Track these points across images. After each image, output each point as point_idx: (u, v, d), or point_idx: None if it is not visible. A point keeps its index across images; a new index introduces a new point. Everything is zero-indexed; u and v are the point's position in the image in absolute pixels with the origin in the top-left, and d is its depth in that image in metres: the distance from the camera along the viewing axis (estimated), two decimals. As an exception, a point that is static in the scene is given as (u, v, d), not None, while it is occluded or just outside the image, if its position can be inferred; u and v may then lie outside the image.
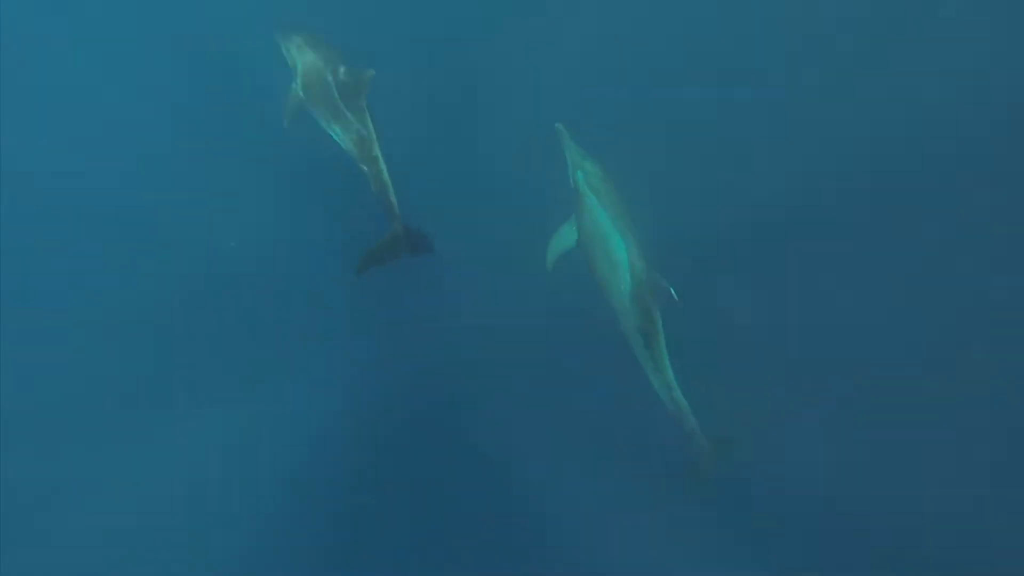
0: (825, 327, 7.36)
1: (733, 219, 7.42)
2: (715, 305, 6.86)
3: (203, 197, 8.00)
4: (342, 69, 5.81)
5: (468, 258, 7.74)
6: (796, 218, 7.28)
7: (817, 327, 7.35)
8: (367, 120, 5.78)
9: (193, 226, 8.01)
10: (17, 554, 7.00)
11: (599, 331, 6.23)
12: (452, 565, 7.33)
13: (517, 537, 7.28)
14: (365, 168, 5.76)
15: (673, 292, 5.51)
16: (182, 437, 7.44)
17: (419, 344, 7.99)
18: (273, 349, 8.00)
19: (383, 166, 5.70)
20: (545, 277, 6.32)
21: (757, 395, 6.93)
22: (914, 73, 7.57)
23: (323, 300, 8.12)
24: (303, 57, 6.00)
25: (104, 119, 8.04)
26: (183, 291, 8.03)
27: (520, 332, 7.76)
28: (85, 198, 7.78)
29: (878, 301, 7.43)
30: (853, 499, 6.90)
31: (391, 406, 7.77)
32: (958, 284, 7.26)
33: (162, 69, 8.16)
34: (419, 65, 7.53)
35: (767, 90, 7.83)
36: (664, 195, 6.35)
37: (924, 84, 7.55)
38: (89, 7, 8.12)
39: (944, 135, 7.36)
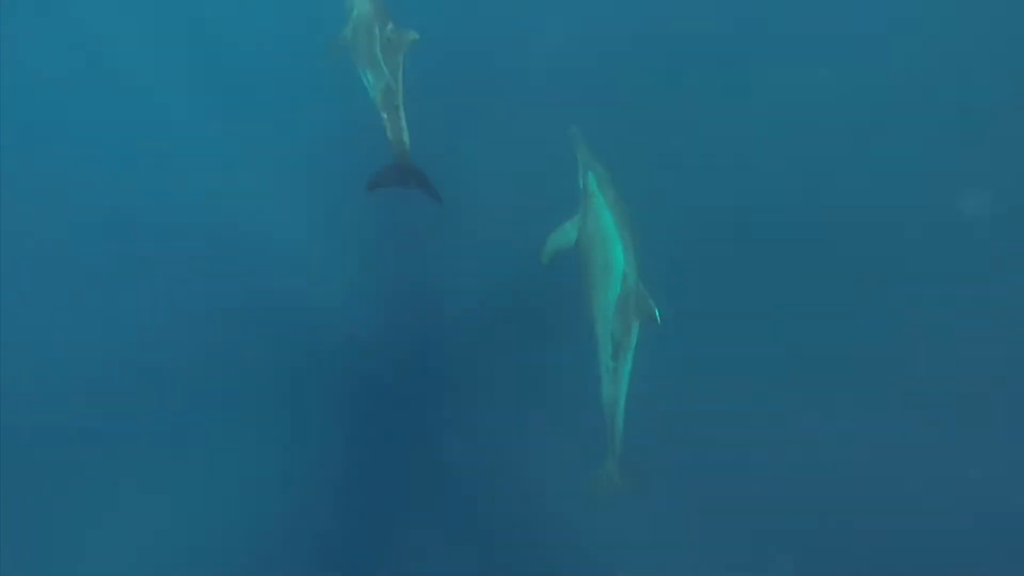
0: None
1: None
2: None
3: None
4: (390, 26, 6.20)
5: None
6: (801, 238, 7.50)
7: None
8: (399, 75, 6.22)
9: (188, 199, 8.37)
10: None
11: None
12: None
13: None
14: (385, 116, 6.22)
15: (658, 314, 5.65)
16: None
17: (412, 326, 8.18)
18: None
19: (403, 115, 6.19)
20: (539, 268, 6.40)
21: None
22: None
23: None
24: (359, 6, 6.38)
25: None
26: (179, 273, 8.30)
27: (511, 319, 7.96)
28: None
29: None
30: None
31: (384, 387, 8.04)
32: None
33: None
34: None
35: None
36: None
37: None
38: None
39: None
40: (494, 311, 8.24)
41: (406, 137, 6.20)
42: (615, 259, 5.90)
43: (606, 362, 6.02)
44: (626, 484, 6.39)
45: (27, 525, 7.36)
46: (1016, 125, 7.76)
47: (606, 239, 5.96)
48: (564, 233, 6.29)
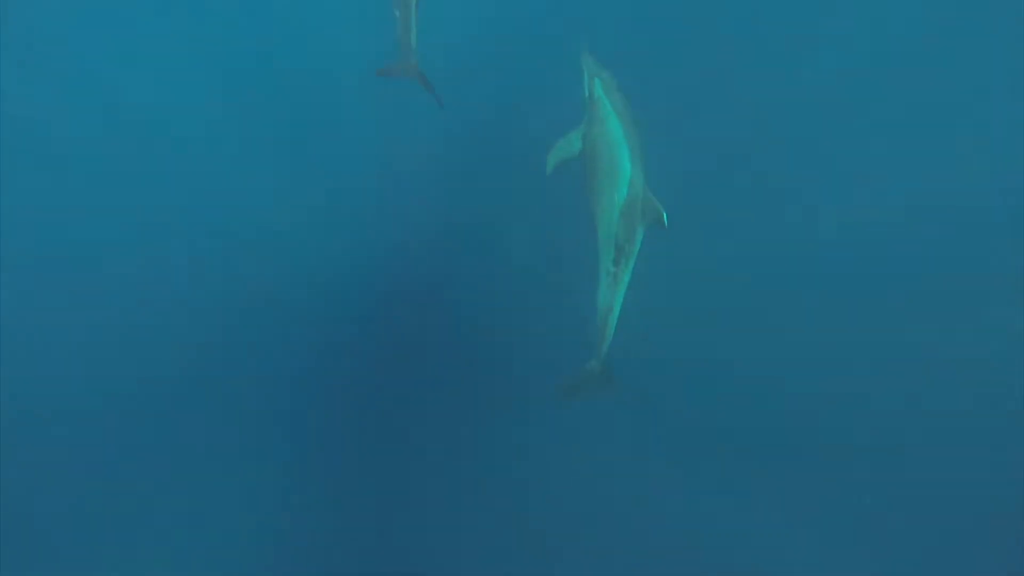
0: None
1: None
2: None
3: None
4: None
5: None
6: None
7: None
8: None
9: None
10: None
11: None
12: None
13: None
14: (398, 14, 6.35)
15: (665, 217, 5.66)
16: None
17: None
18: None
19: (414, 17, 6.35)
20: (543, 180, 6.36)
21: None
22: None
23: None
24: None
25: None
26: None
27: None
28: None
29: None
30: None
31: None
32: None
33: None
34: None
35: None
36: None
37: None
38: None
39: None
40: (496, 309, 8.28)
41: (414, 38, 6.40)
42: (621, 164, 5.93)
43: (607, 267, 6.06)
44: (603, 386, 6.50)
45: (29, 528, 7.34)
46: None
47: (613, 144, 5.98)
48: (569, 142, 6.28)
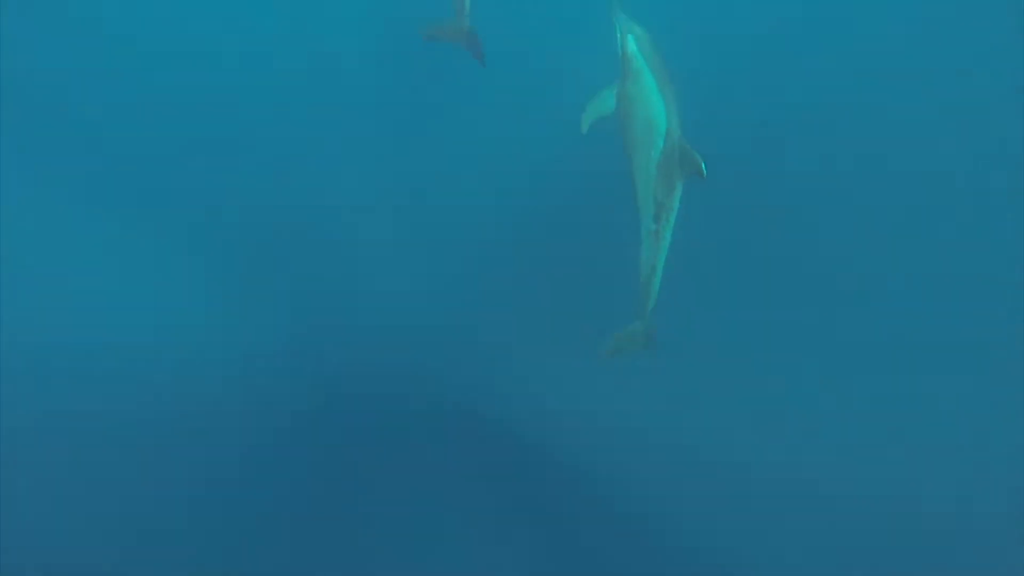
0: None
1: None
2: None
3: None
4: None
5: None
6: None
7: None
8: None
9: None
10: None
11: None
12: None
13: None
14: None
15: (704, 167, 5.53)
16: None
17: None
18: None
19: None
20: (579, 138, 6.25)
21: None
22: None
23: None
24: None
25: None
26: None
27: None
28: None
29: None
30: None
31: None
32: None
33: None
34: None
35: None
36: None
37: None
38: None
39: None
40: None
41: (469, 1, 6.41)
42: (657, 117, 5.82)
43: (648, 225, 5.98)
44: (647, 347, 6.50)
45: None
46: None
47: (648, 98, 5.86)
48: (603, 99, 6.14)
